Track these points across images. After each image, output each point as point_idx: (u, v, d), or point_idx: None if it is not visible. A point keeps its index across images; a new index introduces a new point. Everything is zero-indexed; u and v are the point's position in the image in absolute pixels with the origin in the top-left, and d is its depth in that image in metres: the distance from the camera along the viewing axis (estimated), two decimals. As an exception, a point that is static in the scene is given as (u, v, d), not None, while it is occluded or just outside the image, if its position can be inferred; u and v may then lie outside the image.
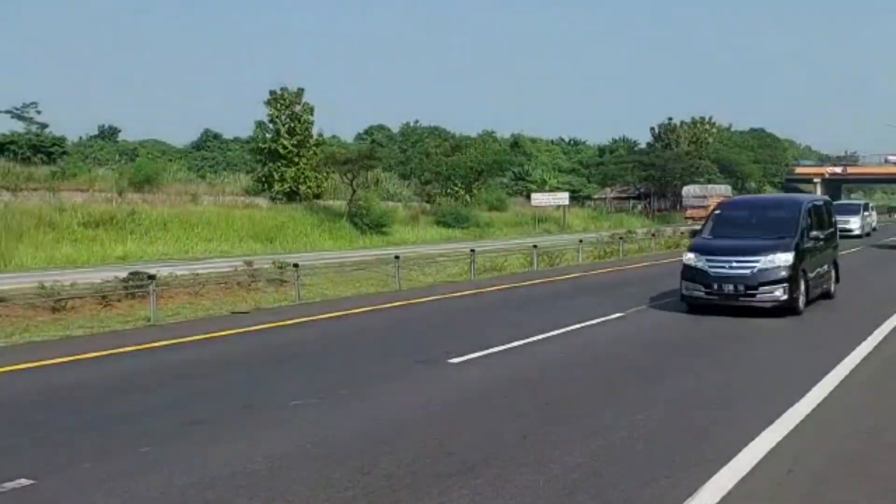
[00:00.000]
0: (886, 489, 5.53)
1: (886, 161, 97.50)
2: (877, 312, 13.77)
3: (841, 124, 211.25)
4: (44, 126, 54.12)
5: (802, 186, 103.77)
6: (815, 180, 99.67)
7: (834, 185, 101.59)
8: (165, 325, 13.72)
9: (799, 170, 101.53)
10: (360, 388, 8.76)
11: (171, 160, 69.72)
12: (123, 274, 17.08)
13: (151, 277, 15.34)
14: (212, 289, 17.55)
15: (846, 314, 14.30)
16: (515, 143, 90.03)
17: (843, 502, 5.35)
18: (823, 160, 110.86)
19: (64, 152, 53.70)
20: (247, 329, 13.16)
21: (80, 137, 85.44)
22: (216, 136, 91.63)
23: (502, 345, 11.03)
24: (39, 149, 49.71)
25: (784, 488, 5.59)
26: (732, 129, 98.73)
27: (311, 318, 14.36)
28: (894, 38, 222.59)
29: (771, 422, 7.08)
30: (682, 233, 39.45)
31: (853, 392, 8.42)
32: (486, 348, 10.76)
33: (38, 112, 52.81)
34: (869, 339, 11.39)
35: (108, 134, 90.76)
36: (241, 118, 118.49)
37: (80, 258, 27.93)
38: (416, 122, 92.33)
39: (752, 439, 6.56)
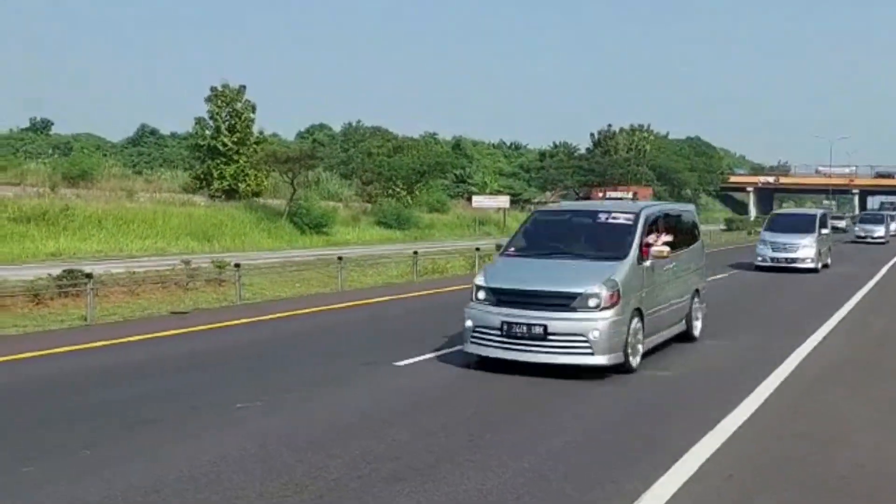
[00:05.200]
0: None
1: (817, 171, 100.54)
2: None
3: (774, 135, 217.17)
4: (-28, 117, 52.53)
5: (736, 195, 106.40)
6: (748, 189, 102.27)
7: (766, 195, 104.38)
8: (102, 325, 13.40)
9: (733, 178, 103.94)
10: (306, 391, 8.70)
11: (106, 155, 68.19)
12: (57, 271, 16.60)
13: (88, 276, 14.96)
14: (149, 288, 17.21)
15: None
16: (457, 145, 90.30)
17: None
18: (757, 169, 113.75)
19: (-7, 144, 52.12)
20: (187, 329, 12.93)
21: (11, 130, 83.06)
22: (153, 132, 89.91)
23: (447, 348, 11.06)
24: (-33, 140, 48.20)
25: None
26: (669, 137, 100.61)
27: (252, 320, 14.19)
28: (825, 53, 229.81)
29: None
30: None
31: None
32: (431, 351, 10.79)
33: (-33, 102, 51.28)
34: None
35: (40, 127, 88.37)
36: (179, 114, 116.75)
37: (10, 254, 27.11)
38: (359, 122, 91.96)
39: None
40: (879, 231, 46.41)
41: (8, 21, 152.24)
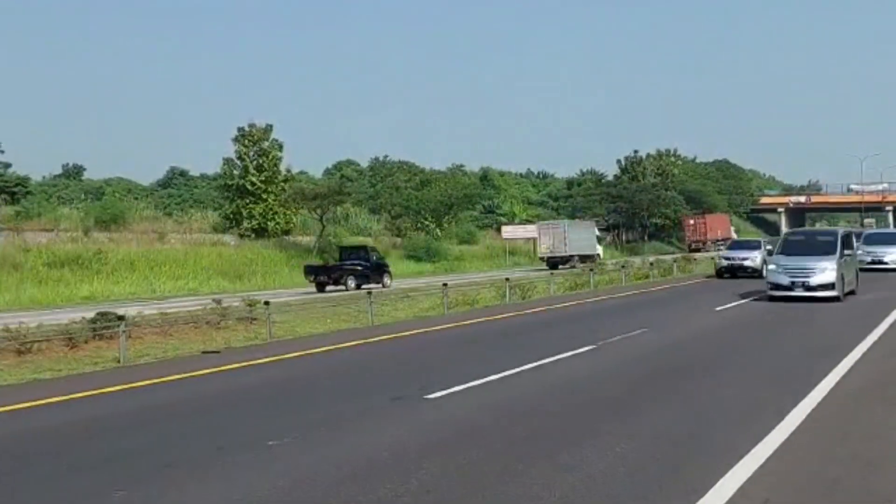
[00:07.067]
0: None
1: (849, 189, 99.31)
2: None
3: (803, 154, 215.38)
4: (7, 165, 53.58)
5: (767, 216, 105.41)
6: (780, 210, 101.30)
7: (798, 214, 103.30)
8: (135, 367, 13.50)
9: (763, 199, 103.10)
10: (336, 427, 8.65)
11: (137, 198, 69.14)
12: (90, 314, 16.82)
13: (121, 318, 15.12)
14: (181, 328, 17.34)
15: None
16: (485, 176, 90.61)
17: None
18: (787, 190, 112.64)
19: (28, 192, 53.13)
20: (218, 368, 12.99)
21: (44, 176, 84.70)
22: (183, 174, 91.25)
23: (478, 379, 10.98)
24: (3, 189, 49.12)
25: None
26: (697, 161, 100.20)
27: (283, 357, 14.22)
28: (853, 70, 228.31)
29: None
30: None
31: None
32: (462, 383, 10.70)
33: (1, 151, 52.32)
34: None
35: (72, 172, 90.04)
36: (207, 155, 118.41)
37: (45, 299, 27.54)
38: (386, 156, 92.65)
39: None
40: (893, 253, 33.30)
41: (39, 71, 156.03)
